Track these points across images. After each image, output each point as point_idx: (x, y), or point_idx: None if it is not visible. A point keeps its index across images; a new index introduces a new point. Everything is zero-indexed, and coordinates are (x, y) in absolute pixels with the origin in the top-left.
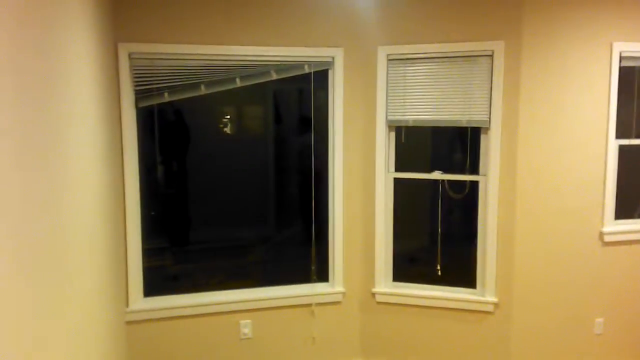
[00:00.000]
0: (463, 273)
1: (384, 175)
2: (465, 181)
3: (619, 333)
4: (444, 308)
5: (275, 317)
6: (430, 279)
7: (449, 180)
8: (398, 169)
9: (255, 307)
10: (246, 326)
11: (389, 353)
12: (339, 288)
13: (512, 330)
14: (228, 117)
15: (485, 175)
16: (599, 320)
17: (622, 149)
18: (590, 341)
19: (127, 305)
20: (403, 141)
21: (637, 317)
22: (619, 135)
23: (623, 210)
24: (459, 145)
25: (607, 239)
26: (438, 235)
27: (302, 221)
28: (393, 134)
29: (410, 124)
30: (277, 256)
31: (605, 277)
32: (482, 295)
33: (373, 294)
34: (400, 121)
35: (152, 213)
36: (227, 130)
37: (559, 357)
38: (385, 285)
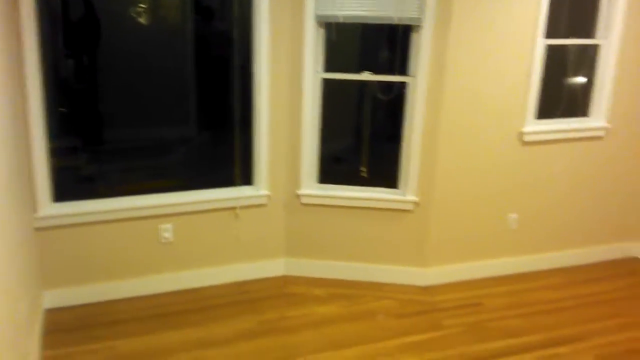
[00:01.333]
0: (387, 174)
1: (313, 76)
2: (393, 82)
3: (531, 228)
4: (367, 208)
5: (198, 220)
6: (354, 180)
7: (377, 81)
8: (327, 69)
9: (176, 212)
10: (167, 230)
11: (314, 252)
12: (264, 191)
13: (430, 227)
14: (143, 5)
15: (414, 76)
16: (514, 216)
17: (552, 49)
18: (505, 236)
19: (35, 211)
20: (334, 39)
21: (549, 213)
22: (548, 35)
23: (546, 111)
24: (388, 46)
25: (526, 138)
26: (364, 137)
27: (225, 121)
28: (322, 32)
29: (341, 20)
30: (199, 158)
31: (522, 175)
32: (404, 194)
33: (298, 196)
34: (330, 17)
35: (61, 109)
36: (142, 20)
37: (475, 252)
38: (311, 187)
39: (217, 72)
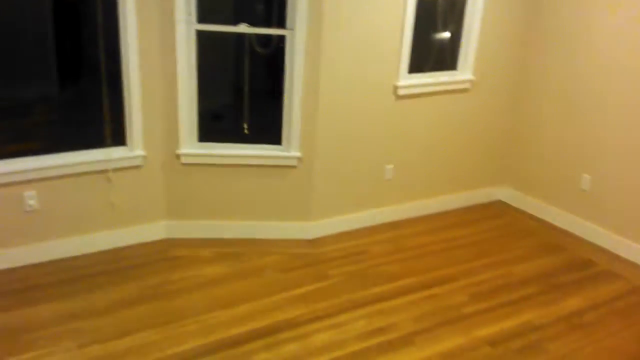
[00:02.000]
0: (269, 130)
1: (186, 27)
2: (272, 35)
3: (406, 178)
4: (251, 165)
5: (67, 186)
6: (236, 137)
7: (256, 35)
8: (201, 20)
9: (42, 177)
10: (32, 197)
11: (197, 213)
12: (139, 151)
13: (314, 182)
14: None
15: (292, 29)
16: (390, 167)
17: (423, 4)
18: (383, 186)
19: None
20: None
21: (422, 162)
22: None
23: (418, 65)
24: None
25: (400, 92)
26: (244, 92)
27: (91, 77)
28: None
29: None
30: (64, 117)
31: (396, 127)
32: (287, 150)
33: (177, 156)
34: None
35: None
36: None
37: (357, 203)
38: (191, 146)
39: (78, 22)
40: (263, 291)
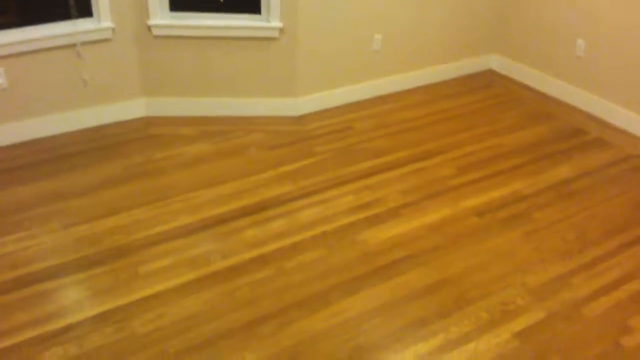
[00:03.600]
0: None
1: None
2: None
3: (394, 48)
4: (229, 37)
5: (35, 62)
6: (211, 6)
7: None
8: None
9: (7, 53)
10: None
11: (176, 90)
12: (106, 23)
13: (297, 54)
14: None
15: None
16: (378, 37)
17: None
18: (370, 58)
19: None
20: None
21: (410, 32)
22: None
23: None
24: None
25: None
26: None
27: None
28: None
29: None
30: None
31: None
32: (267, 20)
33: (149, 27)
34: None
35: None
36: None
37: (343, 77)
38: (162, 17)
39: None
40: (249, 169)
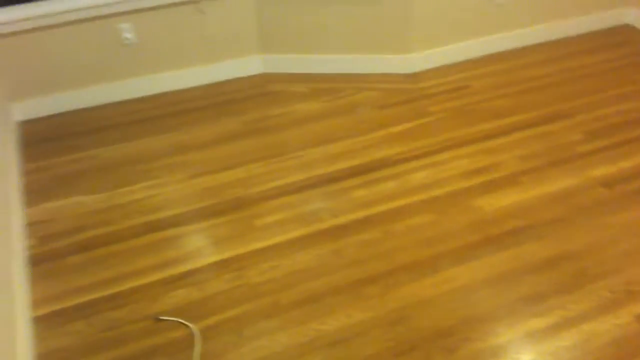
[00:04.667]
0: None
1: None
2: None
3: (517, 0)
4: None
5: (160, 17)
6: None
7: None
8: None
9: (135, 8)
10: (127, 30)
11: (289, 45)
12: None
13: (412, 7)
14: None
15: None
16: None
17: None
18: (491, 11)
19: None
20: None
21: None
22: None
23: None
24: None
25: None
26: None
27: None
28: None
29: None
30: None
31: None
32: None
33: None
34: None
35: None
36: None
37: (461, 32)
38: None
39: None
40: (359, 128)
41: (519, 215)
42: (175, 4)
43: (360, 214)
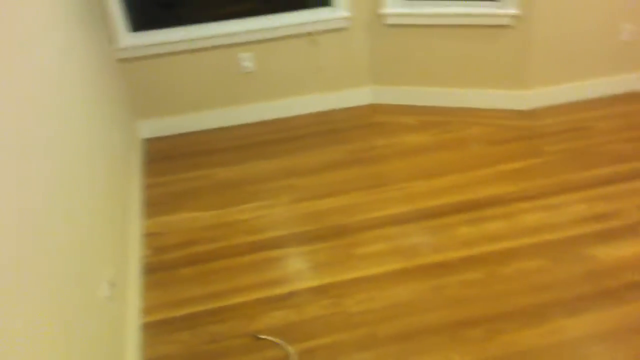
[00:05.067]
0: None
1: None
2: None
3: None
4: (460, 25)
5: (277, 48)
6: None
7: None
8: None
9: (255, 39)
10: (247, 59)
11: (402, 78)
12: (343, 12)
13: (532, 43)
14: None
15: None
16: (627, 26)
17: None
18: (617, 49)
19: (113, 42)
20: None
21: None
22: None
23: None
24: None
25: None
26: None
27: None
28: None
29: None
30: None
31: None
32: (503, 7)
33: (382, 16)
34: None
35: None
36: None
37: (582, 69)
38: (395, 5)
39: None
40: (468, 164)
41: (638, 268)
42: (292, 36)
43: (464, 252)
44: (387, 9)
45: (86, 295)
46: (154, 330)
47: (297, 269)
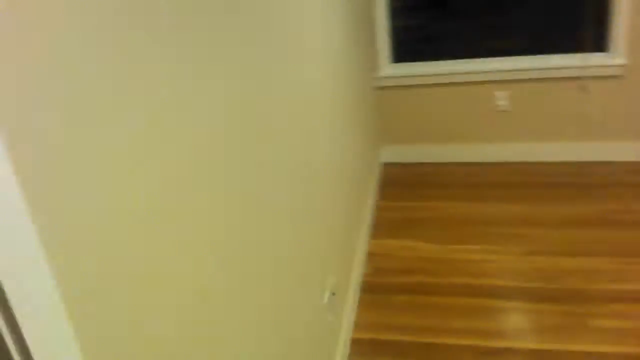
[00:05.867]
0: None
1: None
2: None
3: None
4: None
5: (536, 89)
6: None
7: None
8: None
9: (513, 78)
10: (503, 98)
11: None
12: (620, 59)
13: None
14: None
15: None
16: None
17: None
18: None
19: (375, 70)
20: None
21: None
22: None
23: None
24: None
25: None
26: None
27: None
28: None
29: None
30: (542, 19)
31: None
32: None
33: None
34: None
35: None
36: None
37: None
38: None
39: None
40: None
41: None
42: (555, 79)
43: None
44: None
45: (309, 299)
46: (361, 348)
47: (518, 326)
